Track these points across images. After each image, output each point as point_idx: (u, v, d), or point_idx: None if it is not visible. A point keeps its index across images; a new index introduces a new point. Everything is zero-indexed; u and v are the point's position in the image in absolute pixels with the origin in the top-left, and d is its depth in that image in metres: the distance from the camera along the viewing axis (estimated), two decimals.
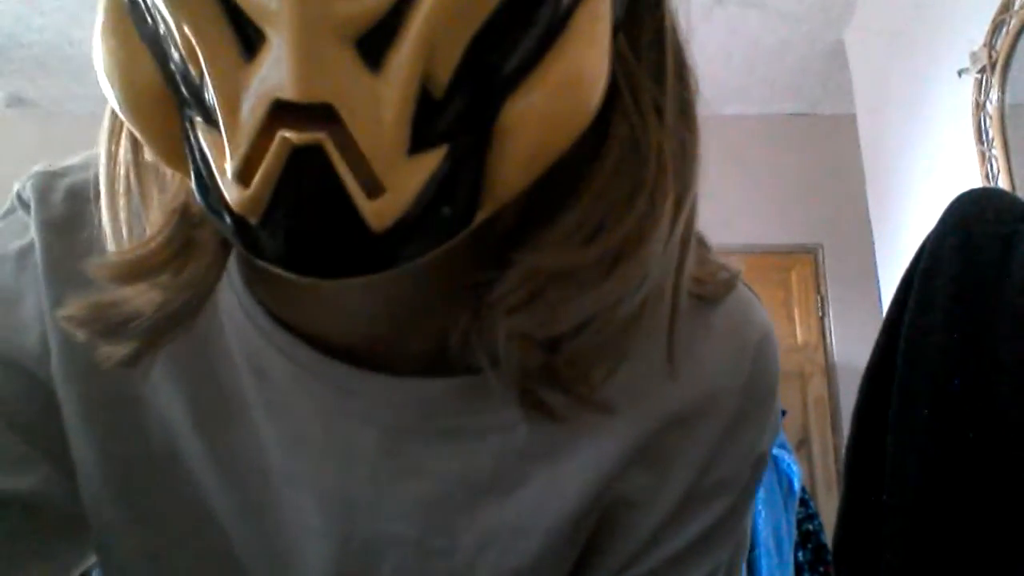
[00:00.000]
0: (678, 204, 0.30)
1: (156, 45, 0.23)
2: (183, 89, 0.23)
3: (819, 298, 3.06)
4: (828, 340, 3.01)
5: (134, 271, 0.29)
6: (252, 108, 0.21)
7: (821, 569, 2.35)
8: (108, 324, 0.30)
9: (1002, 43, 1.70)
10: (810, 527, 2.38)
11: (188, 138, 0.24)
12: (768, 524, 2.22)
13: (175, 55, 0.23)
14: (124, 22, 0.24)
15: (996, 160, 1.70)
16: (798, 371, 2.96)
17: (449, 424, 0.36)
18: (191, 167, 0.24)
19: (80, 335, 0.31)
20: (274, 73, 0.20)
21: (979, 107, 1.76)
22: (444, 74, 0.22)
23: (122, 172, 0.31)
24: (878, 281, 2.35)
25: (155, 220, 0.29)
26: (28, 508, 0.36)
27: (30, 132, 3.24)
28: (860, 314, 2.78)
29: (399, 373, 0.35)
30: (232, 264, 0.36)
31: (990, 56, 1.72)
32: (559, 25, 0.24)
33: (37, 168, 0.39)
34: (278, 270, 0.23)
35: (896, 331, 0.85)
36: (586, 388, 0.32)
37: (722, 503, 0.40)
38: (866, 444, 0.85)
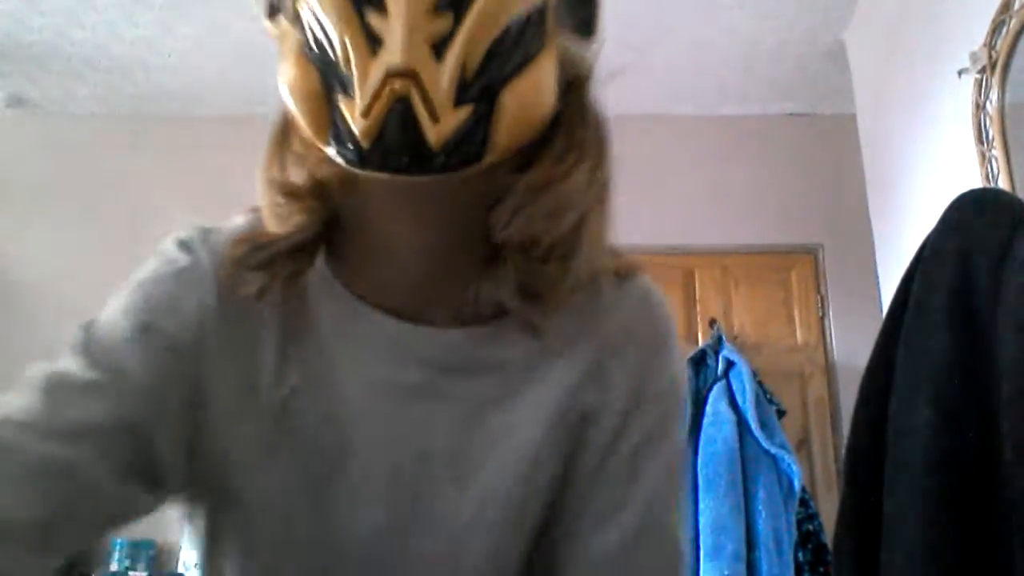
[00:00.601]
0: (594, 167, 0.51)
1: (319, 62, 0.43)
2: (334, 81, 0.43)
3: (819, 298, 3.06)
4: (828, 340, 3.01)
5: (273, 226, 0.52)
6: (376, 73, 0.41)
7: (821, 569, 2.35)
8: (251, 248, 0.51)
9: (1002, 43, 1.70)
10: (810, 527, 2.38)
11: (333, 111, 0.43)
12: (768, 524, 2.22)
13: (333, 59, 0.42)
14: (301, 55, 0.44)
15: (996, 160, 1.70)
16: (798, 371, 2.95)
17: (470, 361, 0.54)
18: (331, 131, 0.43)
19: (230, 268, 0.51)
20: (388, 56, 0.40)
21: (979, 107, 1.76)
22: (471, 67, 0.42)
23: (272, 187, 0.52)
24: (878, 281, 2.35)
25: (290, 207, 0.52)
26: (147, 448, 0.49)
27: (30, 132, 3.25)
28: (860, 314, 2.78)
29: (436, 326, 0.54)
30: (320, 262, 0.54)
31: (990, 56, 1.72)
32: (532, 55, 0.45)
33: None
34: (378, 174, 0.42)
35: (896, 331, 0.85)
36: (553, 303, 0.52)
37: (653, 413, 0.56)
38: (866, 444, 0.85)
